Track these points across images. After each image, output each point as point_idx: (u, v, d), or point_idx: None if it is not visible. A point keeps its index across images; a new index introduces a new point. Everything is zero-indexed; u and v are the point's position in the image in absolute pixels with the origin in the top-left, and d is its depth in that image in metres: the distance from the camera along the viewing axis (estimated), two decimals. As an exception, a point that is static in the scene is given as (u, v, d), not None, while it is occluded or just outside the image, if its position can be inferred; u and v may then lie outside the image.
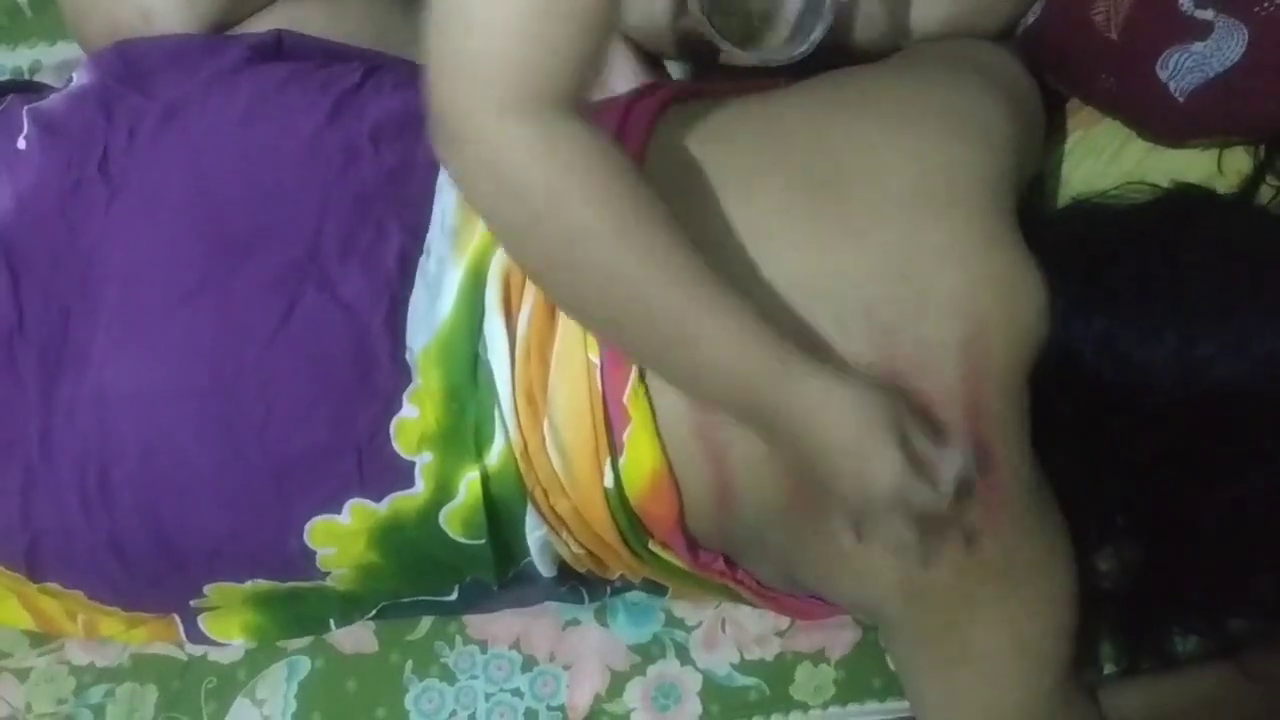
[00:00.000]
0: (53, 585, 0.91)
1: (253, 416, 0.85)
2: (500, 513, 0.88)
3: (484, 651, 1.08)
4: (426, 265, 0.88)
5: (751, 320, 0.77)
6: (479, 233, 0.87)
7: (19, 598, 0.96)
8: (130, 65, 0.96)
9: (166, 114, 0.92)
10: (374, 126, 0.92)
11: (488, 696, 1.07)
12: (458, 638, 1.08)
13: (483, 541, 0.88)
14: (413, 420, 0.85)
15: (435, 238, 0.88)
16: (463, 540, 0.88)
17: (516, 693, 1.07)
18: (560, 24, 0.73)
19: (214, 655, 1.07)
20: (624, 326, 0.78)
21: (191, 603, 0.94)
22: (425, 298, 0.87)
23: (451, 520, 0.87)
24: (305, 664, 1.07)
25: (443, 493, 0.86)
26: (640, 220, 0.76)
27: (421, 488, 0.86)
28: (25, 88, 1.06)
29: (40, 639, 1.06)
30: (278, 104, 0.93)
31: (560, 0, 0.72)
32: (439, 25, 0.74)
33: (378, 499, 0.86)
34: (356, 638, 1.08)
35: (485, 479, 0.86)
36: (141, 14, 1.01)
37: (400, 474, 0.85)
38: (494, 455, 0.85)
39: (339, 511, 0.86)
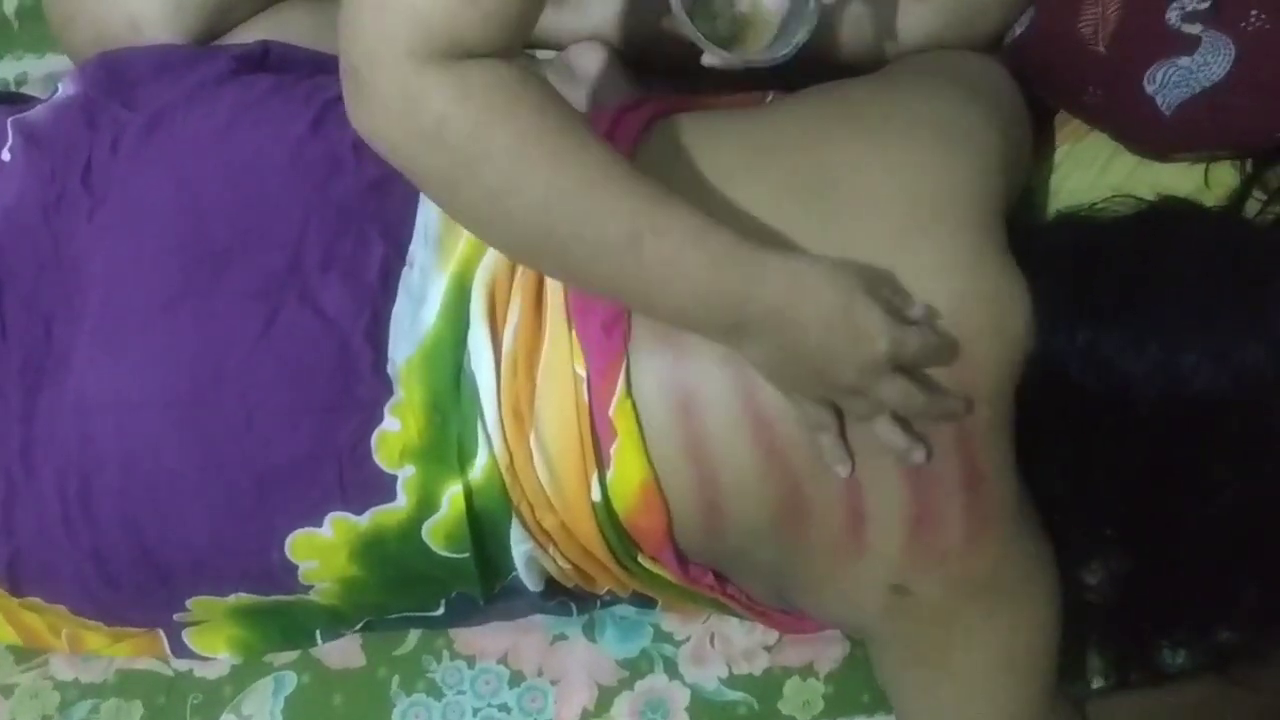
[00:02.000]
0: (34, 600, 0.90)
1: (233, 425, 0.84)
2: (484, 527, 0.87)
3: (471, 666, 1.07)
4: (410, 276, 0.87)
5: (704, 218, 0.77)
6: (462, 244, 0.87)
7: (3, 612, 0.95)
8: (114, 76, 0.96)
9: (149, 125, 0.92)
10: (357, 137, 0.92)
11: (475, 711, 1.07)
12: (445, 652, 1.08)
13: (466, 555, 0.87)
14: (394, 433, 0.85)
15: (418, 249, 0.88)
16: (446, 554, 0.87)
17: (504, 708, 1.06)
18: None
19: (200, 671, 1.06)
20: (574, 253, 0.77)
21: (175, 617, 0.93)
22: (408, 309, 0.86)
23: (434, 534, 0.86)
24: (292, 679, 1.07)
25: (425, 507, 0.85)
26: (571, 142, 0.75)
27: (403, 501, 0.85)
28: (10, 99, 1.06)
29: (25, 655, 1.06)
30: (261, 114, 0.93)
31: None
32: None
33: (359, 512, 0.85)
34: (343, 652, 1.07)
35: (468, 493, 0.85)
36: (129, 24, 1.01)
37: (381, 487, 0.85)
38: (478, 469, 0.85)
39: (320, 524, 0.85)
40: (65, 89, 0.96)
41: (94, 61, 0.98)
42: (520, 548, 0.89)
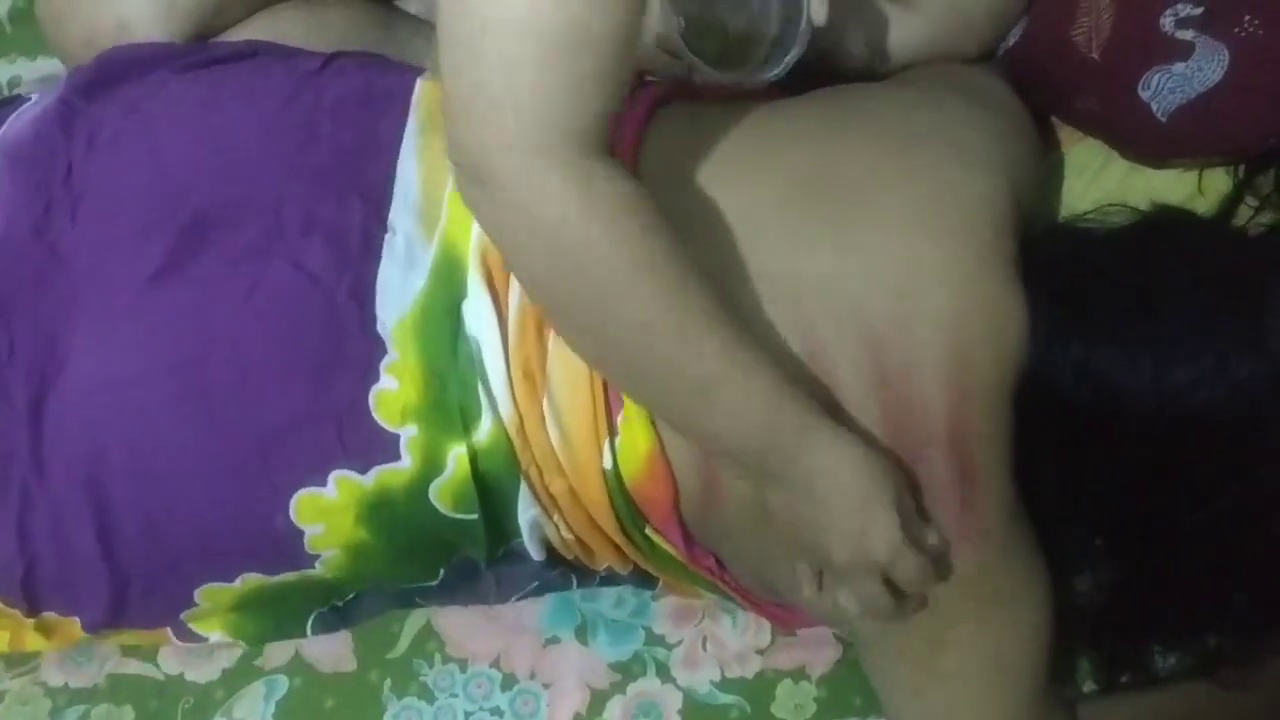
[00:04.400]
0: (49, 614, 0.90)
1: (227, 387, 0.85)
2: (492, 490, 0.87)
3: (464, 670, 1.07)
4: (394, 242, 0.88)
5: (778, 372, 0.79)
6: (444, 212, 0.88)
7: (9, 632, 0.94)
8: (96, 80, 0.96)
9: (125, 112, 0.93)
10: (335, 103, 0.93)
11: (467, 715, 1.06)
12: (437, 655, 1.07)
13: (475, 516, 0.87)
14: (392, 392, 0.85)
15: (399, 215, 0.88)
16: (455, 515, 0.87)
17: (496, 711, 1.06)
18: (584, 60, 0.72)
19: (191, 675, 1.06)
20: (649, 374, 0.79)
21: (182, 615, 0.93)
22: (395, 273, 0.87)
23: (442, 494, 0.86)
24: (283, 683, 1.06)
25: (430, 467, 0.85)
26: (673, 271, 0.77)
27: (408, 462, 0.85)
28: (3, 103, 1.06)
29: (15, 661, 1.05)
30: (236, 88, 0.94)
31: (581, 35, 0.72)
32: (455, 64, 0.73)
33: (363, 471, 0.85)
34: (335, 655, 1.07)
35: (473, 455, 0.85)
36: (119, 25, 1.01)
37: (385, 446, 0.85)
38: (483, 432, 0.85)
39: (324, 484, 0.85)
40: (43, 98, 0.97)
41: (83, 68, 0.98)
42: (527, 514, 0.89)
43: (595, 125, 0.74)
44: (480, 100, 0.72)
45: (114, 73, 0.96)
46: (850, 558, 0.80)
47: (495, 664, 1.07)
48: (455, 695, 1.07)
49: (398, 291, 0.86)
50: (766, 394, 0.78)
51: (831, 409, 0.82)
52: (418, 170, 0.90)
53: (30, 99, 0.99)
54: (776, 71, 0.94)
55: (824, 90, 0.97)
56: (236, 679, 1.06)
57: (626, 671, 1.07)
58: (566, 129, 0.72)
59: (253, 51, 1.00)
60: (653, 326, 0.76)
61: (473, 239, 0.87)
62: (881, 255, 0.85)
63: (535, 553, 0.92)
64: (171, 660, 1.06)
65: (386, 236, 0.88)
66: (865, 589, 0.81)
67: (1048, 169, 1.05)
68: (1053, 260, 0.91)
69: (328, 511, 0.86)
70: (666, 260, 0.76)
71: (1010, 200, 0.89)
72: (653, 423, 0.85)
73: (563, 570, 0.97)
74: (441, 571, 0.94)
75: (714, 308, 0.78)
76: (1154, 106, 0.96)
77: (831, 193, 0.87)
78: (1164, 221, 0.95)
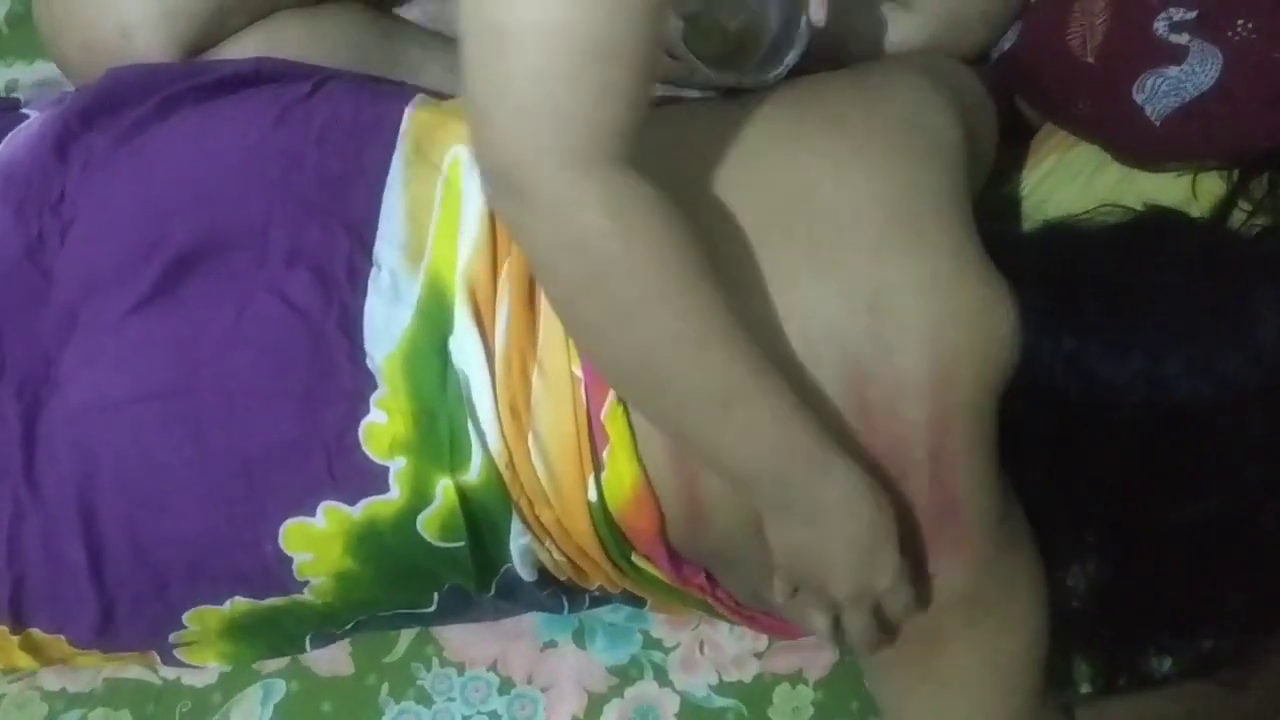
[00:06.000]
0: (35, 631, 0.90)
1: (215, 412, 0.84)
2: (481, 521, 0.87)
3: (461, 673, 1.07)
4: (379, 278, 0.87)
5: (795, 398, 0.79)
6: (430, 249, 0.88)
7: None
8: (94, 103, 0.96)
9: (116, 141, 0.93)
10: (321, 130, 0.92)
11: (465, 719, 1.06)
12: (434, 659, 1.07)
13: (462, 544, 0.87)
14: (382, 425, 0.84)
15: (383, 250, 0.88)
16: (441, 544, 0.87)
17: (494, 715, 1.06)
18: (610, 67, 0.71)
19: (188, 679, 1.06)
20: (670, 390, 0.78)
21: (171, 637, 0.92)
22: (381, 308, 0.86)
23: (429, 525, 0.86)
24: (281, 687, 1.06)
25: (418, 498, 0.85)
26: (701, 285, 0.76)
27: (397, 494, 0.85)
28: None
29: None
30: (224, 117, 0.94)
31: (607, 42, 0.71)
32: (481, 72, 0.72)
33: (351, 502, 0.85)
34: (332, 660, 1.07)
35: (464, 489, 0.85)
36: (119, 31, 1.00)
37: (374, 478, 0.85)
38: (475, 468, 0.85)
39: (312, 513, 0.85)
40: (41, 115, 0.97)
41: (84, 90, 0.98)
42: (518, 541, 0.89)
43: (625, 136, 0.73)
44: (514, 111, 0.72)
45: (114, 98, 0.96)
46: (853, 592, 0.82)
47: (493, 668, 1.07)
48: (453, 699, 1.07)
49: (384, 326, 0.86)
50: (784, 417, 0.78)
51: None
52: (403, 203, 0.89)
53: (28, 116, 0.98)
54: (776, 72, 0.94)
55: (790, 86, 0.96)
56: (234, 683, 1.06)
57: (624, 675, 1.07)
58: (599, 140, 0.72)
59: (255, 71, 1.00)
60: (680, 340, 0.76)
61: (458, 273, 0.87)
62: (856, 269, 0.84)
63: (527, 574, 0.92)
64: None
65: (371, 272, 0.87)
66: (856, 621, 0.83)
67: (1038, 173, 1.06)
68: (1043, 257, 0.91)
69: (316, 540, 0.86)
70: (697, 275, 0.76)
71: (969, 182, 0.89)
72: (638, 456, 0.85)
73: (553, 591, 0.97)
74: (435, 597, 0.94)
75: (738, 328, 0.77)
76: (1148, 110, 0.96)
77: (805, 210, 0.86)
78: (1155, 220, 0.95)
